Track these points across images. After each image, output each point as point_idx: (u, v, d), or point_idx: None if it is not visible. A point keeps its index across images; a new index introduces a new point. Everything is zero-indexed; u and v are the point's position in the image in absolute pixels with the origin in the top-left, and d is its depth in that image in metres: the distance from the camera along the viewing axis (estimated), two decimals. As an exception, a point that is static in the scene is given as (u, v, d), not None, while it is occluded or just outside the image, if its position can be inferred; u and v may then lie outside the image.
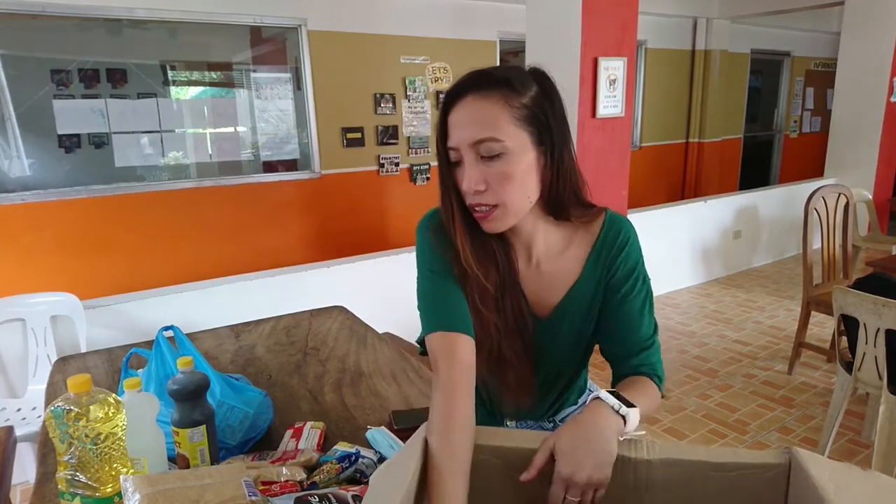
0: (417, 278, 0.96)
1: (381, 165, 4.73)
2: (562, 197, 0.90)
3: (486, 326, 0.93)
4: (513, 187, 0.84)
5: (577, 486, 0.74)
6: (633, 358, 0.94)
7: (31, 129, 3.57)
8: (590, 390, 1.16)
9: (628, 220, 0.97)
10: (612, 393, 0.84)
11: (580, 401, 1.14)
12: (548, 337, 0.99)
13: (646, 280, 0.96)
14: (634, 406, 0.81)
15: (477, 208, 0.87)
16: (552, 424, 1.11)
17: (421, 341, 0.93)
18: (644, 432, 0.85)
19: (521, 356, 0.97)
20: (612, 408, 0.81)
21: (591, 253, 0.95)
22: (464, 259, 0.90)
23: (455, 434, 0.78)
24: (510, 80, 0.83)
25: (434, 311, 0.91)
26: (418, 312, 0.94)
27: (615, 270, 0.94)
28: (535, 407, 1.08)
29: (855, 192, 3.50)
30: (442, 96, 0.87)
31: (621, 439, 0.79)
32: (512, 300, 0.95)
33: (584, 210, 0.94)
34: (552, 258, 0.96)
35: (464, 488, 0.76)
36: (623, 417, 0.81)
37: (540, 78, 0.87)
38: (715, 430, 2.54)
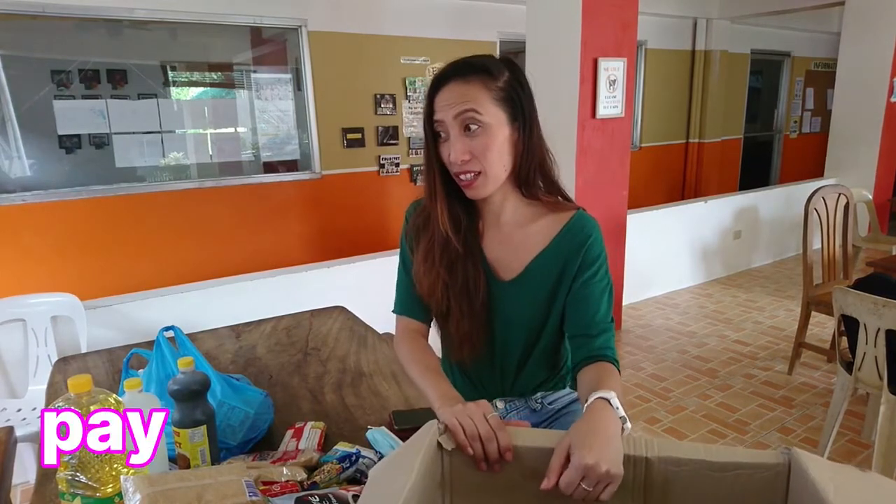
0: None
1: (382, 166, 4.73)
2: (530, 170, 1.03)
3: (434, 281, 1.07)
4: (493, 156, 0.98)
5: (596, 475, 0.73)
6: (595, 339, 1.02)
7: (32, 130, 3.58)
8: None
9: (597, 222, 1.07)
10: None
11: (574, 396, 1.18)
12: (510, 300, 1.10)
13: (608, 274, 1.06)
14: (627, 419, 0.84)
15: (462, 176, 1.00)
16: (540, 406, 1.18)
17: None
18: (630, 426, 0.87)
19: (468, 313, 1.08)
20: (616, 411, 0.83)
21: (559, 233, 1.06)
22: (441, 223, 1.04)
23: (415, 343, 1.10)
24: (487, 66, 0.97)
25: (398, 296, 1.17)
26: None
27: (581, 255, 1.04)
28: (508, 380, 1.18)
29: (855, 193, 3.50)
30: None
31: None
32: (471, 264, 1.07)
33: (553, 192, 1.08)
34: (519, 227, 1.08)
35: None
36: (622, 420, 0.83)
37: (510, 65, 1.01)
38: (715, 430, 2.54)
